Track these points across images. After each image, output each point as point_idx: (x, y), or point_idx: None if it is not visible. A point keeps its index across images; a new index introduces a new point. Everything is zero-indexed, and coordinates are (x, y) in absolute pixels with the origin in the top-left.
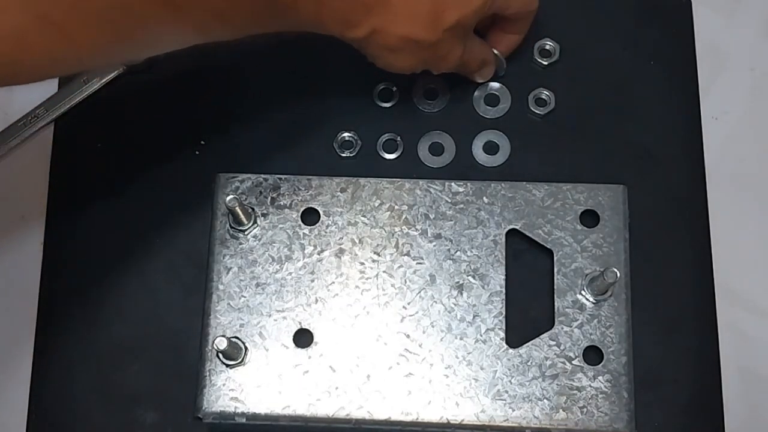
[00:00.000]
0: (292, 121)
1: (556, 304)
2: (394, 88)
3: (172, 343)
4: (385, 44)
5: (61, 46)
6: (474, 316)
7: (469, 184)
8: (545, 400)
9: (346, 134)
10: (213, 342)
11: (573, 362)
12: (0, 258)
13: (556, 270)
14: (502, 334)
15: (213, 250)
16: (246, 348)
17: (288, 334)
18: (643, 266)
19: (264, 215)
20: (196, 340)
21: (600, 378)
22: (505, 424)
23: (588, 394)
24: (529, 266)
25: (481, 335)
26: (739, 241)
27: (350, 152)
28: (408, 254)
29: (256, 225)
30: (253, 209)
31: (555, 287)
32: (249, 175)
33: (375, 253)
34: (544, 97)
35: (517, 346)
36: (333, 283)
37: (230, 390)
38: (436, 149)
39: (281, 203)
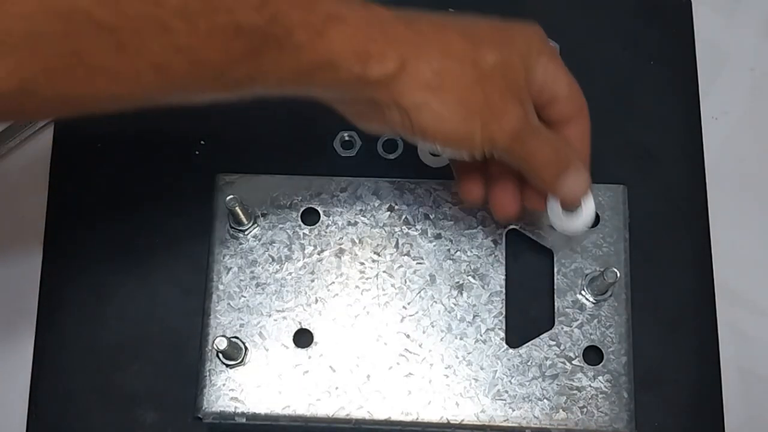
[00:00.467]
0: (292, 121)
1: (556, 304)
2: None
3: (172, 343)
4: (422, 80)
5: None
6: (474, 316)
7: None
8: (545, 400)
9: (346, 134)
10: (213, 342)
11: (573, 362)
12: (0, 258)
13: (556, 270)
14: (502, 334)
15: (213, 250)
16: (246, 348)
17: (288, 334)
18: (643, 266)
19: (264, 215)
20: (196, 340)
21: (600, 378)
22: (505, 424)
23: (588, 394)
24: (529, 266)
25: (481, 335)
26: (739, 241)
27: (350, 152)
28: (408, 254)
29: (256, 225)
30: (253, 209)
31: (555, 287)
32: (249, 175)
33: (375, 253)
34: None
35: (517, 346)
36: (333, 283)
37: (230, 390)
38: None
39: (281, 203)
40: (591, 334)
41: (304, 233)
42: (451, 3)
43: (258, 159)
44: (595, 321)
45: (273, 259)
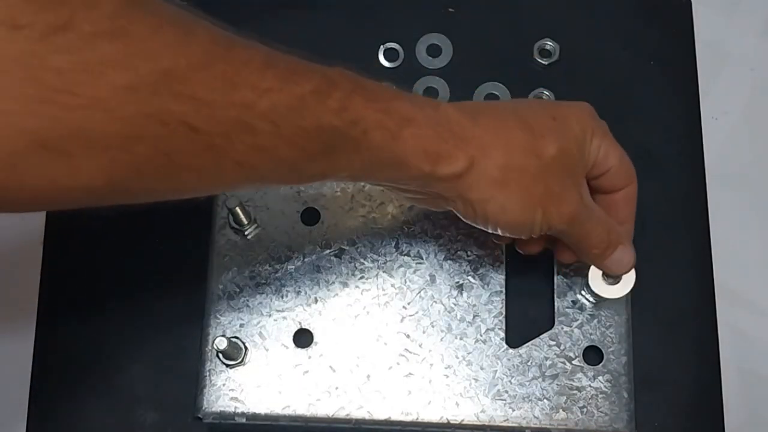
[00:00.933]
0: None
1: (556, 304)
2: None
3: (172, 343)
4: (489, 177)
5: (65, 178)
6: (474, 316)
7: None
8: (545, 400)
9: None
10: (213, 342)
11: (573, 362)
12: (0, 257)
13: (556, 270)
14: (502, 334)
15: (213, 250)
16: (246, 348)
17: (288, 334)
18: (643, 266)
19: (264, 215)
20: (196, 340)
21: (600, 378)
22: (505, 424)
23: (588, 394)
24: (529, 266)
25: (481, 335)
26: (739, 241)
27: None
28: (408, 254)
29: (256, 225)
30: (253, 209)
31: (555, 287)
32: None
33: (375, 253)
34: (544, 96)
35: (517, 346)
36: (333, 283)
37: (230, 390)
38: None
39: (281, 203)
40: (591, 334)
41: (304, 233)
42: (452, 2)
43: None
44: (595, 321)
45: (273, 259)
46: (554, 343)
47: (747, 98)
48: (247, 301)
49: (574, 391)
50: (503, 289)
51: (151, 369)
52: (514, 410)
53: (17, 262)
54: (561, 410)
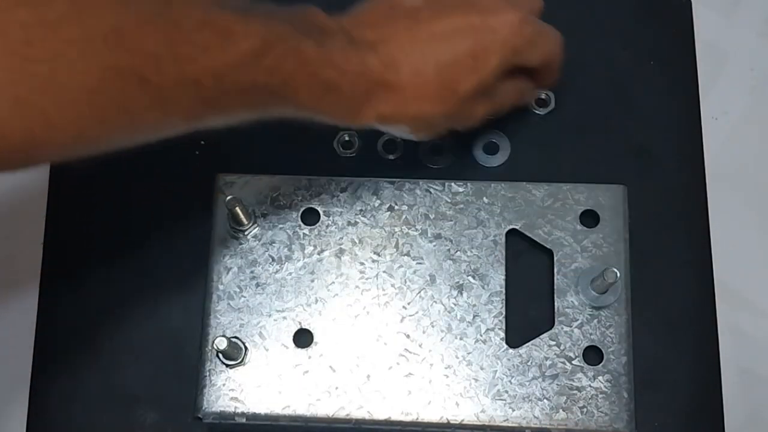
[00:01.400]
0: (292, 121)
1: (556, 304)
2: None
3: (172, 343)
4: (397, 126)
5: (40, 131)
6: (474, 316)
7: (469, 184)
8: (545, 400)
9: (346, 134)
10: (213, 342)
11: (573, 362)
12: (0, 258)
13: (556, 270)
14: (502, 334)
15: (213, 250)
16: (246, 348)
17: (288, 334)
18: (643, 266)
19: (264, 215)
20: (196, 340)
21: (600, 378)
22: (505, 424)
23: (588, 394)
24: (529, 266)
25: (481, 335)
26: (739, 241)
27: (350, 152)
28: (408, 254)
29: (256, 225)
30: (253, 209)
31: (555, 287)
32: (249, 175)
33: (375, 253)
34: (544, 97)
35: (517, 346)
36: (333, 283)
37: (230, 390)
38: (436, 149)
39: (281, 203)
40: (591, 334)
41: (304, 233)
42: None
43: (258, 159)
44: (595, 321)
45: (273, 259)
46: (554, 343)
47: (747, 98)
48: (247, 301)
49: (574, 391)
50: (503, 289)
51: (151, 369)
52: (514, 410)
53: (17, 262)
54: (561, 410)
